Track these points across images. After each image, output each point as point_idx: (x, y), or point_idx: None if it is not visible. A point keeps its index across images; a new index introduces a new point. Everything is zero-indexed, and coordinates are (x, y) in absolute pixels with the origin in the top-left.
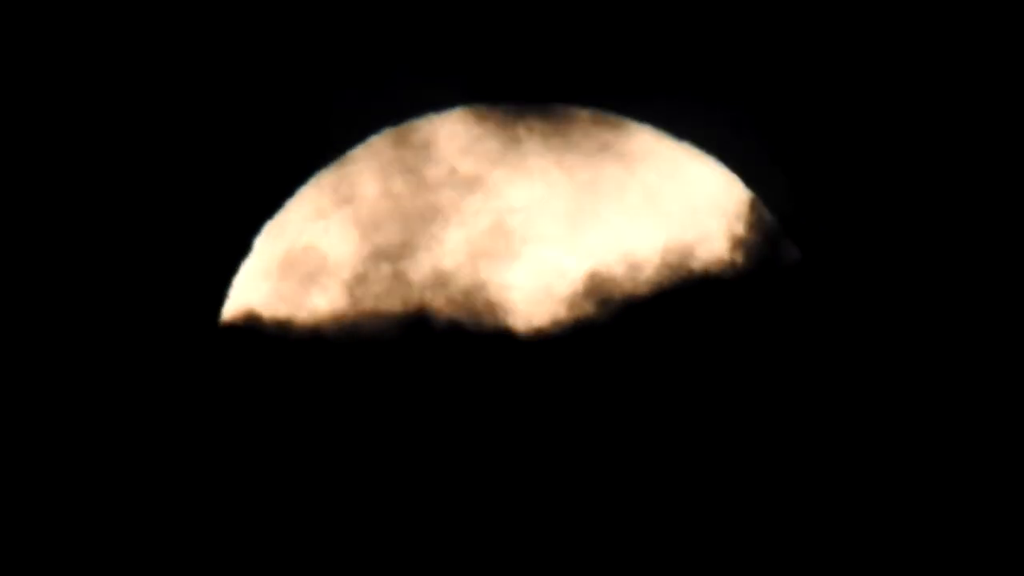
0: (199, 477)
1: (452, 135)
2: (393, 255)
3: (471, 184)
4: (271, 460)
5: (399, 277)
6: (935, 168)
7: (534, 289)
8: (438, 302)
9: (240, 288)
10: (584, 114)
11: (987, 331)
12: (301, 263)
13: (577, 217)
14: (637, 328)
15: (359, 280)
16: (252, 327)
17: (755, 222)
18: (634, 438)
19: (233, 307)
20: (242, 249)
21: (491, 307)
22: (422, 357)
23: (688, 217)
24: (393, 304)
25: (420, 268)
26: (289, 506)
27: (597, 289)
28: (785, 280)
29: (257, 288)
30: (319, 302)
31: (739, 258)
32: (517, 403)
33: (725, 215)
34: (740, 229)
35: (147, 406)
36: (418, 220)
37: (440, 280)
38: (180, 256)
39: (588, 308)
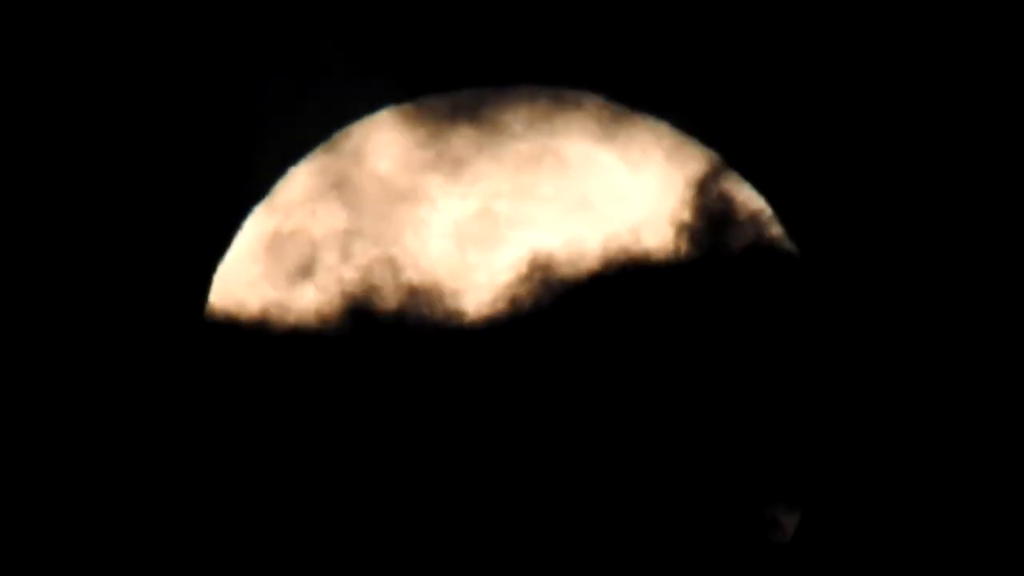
0: (184, 471)
1: (385, 144)
2: (350, 256)
3: (405, 193)
4: (252, 451)
5: (357, 277)
6: (923, 148)
7: (483, 279)
8: (388, 296)
9: (220, 284)
10: (517, 124)
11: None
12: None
13: (522, 208)
14: (584, 315)
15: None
16: (234, 321)
17: (708, 202)
18: (584, 426)
19: (215, 301)
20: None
21: (440, 298)
22: (382, 347)
23: (632, 205)
24: (354, 300)
25: (373, 271)
26: (273, 493)
27: (541, 279)
28: (770, 265)
29: (237, 285)
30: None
31: (685, 243)
32: (467, 391)
33: (672, 200)
34: (687, 214)
35: (131, 400)
36: (366, 228)
37: (392, 278)
38: (161, 251)
39: (534, 296)
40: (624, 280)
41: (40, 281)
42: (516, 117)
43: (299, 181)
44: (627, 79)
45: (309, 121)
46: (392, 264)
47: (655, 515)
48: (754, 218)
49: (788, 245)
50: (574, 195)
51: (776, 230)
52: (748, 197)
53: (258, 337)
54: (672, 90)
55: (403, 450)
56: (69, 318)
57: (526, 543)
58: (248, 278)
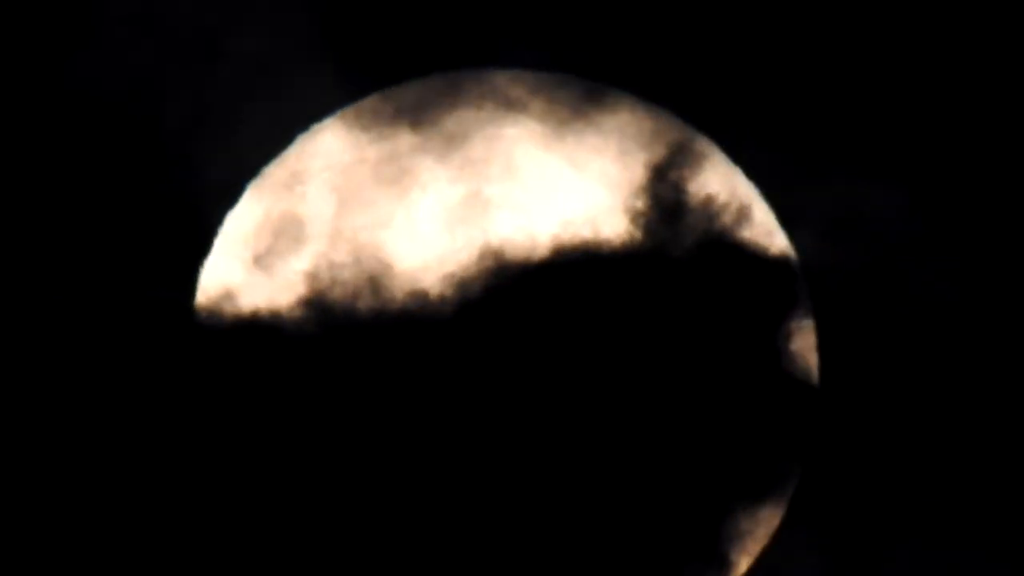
0: (174, 466)
1: (334, 150)
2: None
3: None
4: (242, 441)
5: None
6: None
7: (436, 268)
8: (342, 288)
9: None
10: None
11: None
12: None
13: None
14: (539, 303)
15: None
16: (218, 315)
17: (662, 190)
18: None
19: (201, 297)
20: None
21: (395, 285)
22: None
23: (585, 197)
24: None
25: (331, 269)
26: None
27: (496, 268)
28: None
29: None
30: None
31: (639, 232)
32: (429, 378)
33: (625, 190)
34: (641, 202)
35: (120, 397)
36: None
37: (348, 269)
38: (147, 248)
39: (490, 285)
40: (580, 269)
41: (21, 271)
42: (463, 118)
43: (273, 178)
44: (600, 57)
45: (270, 124)
46: (360, 257)
47: (609, 502)
48: (708, 204)
49: (743, 232)
50: (529, 189)
51: (729, 217)
52: (703, 185)
53: (238, 327)
54: (645, 65)
55: (378, 435)
56: (50, 310)
57: (495, 527)
58: (230, 273)
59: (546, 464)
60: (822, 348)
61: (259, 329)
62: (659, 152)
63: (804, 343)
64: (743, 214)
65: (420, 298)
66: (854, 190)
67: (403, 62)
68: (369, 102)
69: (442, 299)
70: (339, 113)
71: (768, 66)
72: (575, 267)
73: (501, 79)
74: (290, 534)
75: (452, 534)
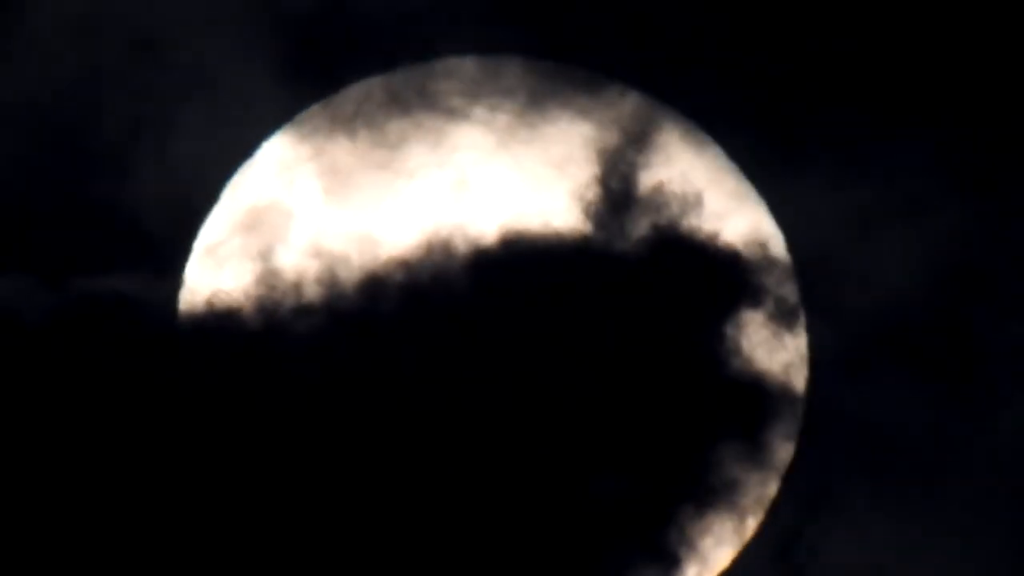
0: (158, 461)
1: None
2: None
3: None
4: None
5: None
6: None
7: (389, 259)
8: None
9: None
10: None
11: None
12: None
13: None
14: (493, 293)
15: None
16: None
17: (614, 183)
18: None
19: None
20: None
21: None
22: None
23: (537, 188)
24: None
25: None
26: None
27: (444, 256)
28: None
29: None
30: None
31: (590, 222)
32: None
33: (576, 181)
34: (592, 195)
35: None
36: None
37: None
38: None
39: (442, 272)
40: (530, 259)
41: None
42: (409, 131)
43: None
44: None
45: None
46: (319, 252)
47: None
48: (658, 193)
49: (695, 220)
50: (479, 179)
51: (677, 208)
52: (654, 175)
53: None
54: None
55: (335, 427)
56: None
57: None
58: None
59: (493, 456)
60: (809, 338)
61: (214, 324)
62: (616, 139)
63: (756, 336)
64: (695, 202)
65: (375, 290)
66: (841, 179)
67: (345, 65)
68: (314, 110)
69: (394, 290)
70: (287, 122)
71: (757, 50)
72: (525, 257)
73: (448, 73)
74: (266, 518)
75: (407, 526)
